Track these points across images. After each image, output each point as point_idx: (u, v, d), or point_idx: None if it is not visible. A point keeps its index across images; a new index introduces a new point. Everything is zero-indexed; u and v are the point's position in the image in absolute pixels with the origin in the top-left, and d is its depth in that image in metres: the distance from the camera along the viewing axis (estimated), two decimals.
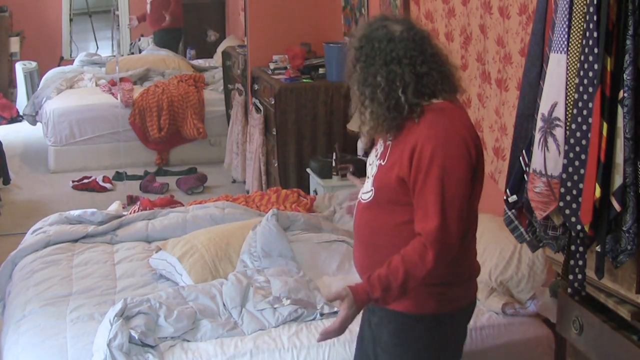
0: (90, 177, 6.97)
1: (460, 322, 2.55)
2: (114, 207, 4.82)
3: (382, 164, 2.42)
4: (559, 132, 2.22)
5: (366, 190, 2.48)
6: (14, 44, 9.31)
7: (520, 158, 2.43)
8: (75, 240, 4.17)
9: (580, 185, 2.15)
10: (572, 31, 2.17)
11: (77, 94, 8.02)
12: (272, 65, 5.97)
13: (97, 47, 10.04)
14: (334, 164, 5.09)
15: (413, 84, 2.34)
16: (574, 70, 2.17)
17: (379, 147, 2.49)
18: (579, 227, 2.17)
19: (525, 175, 2.40)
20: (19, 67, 9.20)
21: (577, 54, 2.15)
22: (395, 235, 2.40)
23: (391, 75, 2.34)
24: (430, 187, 2.29)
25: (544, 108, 2.26)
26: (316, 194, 5.13)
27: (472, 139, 2.36)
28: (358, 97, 2.41)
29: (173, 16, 9.02)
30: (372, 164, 2.49)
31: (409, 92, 2.34)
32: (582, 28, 2.14)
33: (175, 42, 9.29)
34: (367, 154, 2.67)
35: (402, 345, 2.48)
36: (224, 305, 3.30)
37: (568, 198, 2.18)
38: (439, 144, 2.30)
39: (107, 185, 6.90)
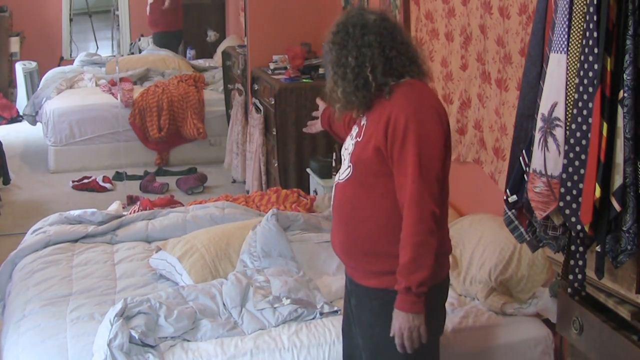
0: (90, 177, 6.96)
1: (437, 297, 2.59)
2: (114, 207, 4.82)
3: (359, 140, 2.55)
4: (559, 132, 2.22)
5: (344, 170, 2.60)
6: (14, 44, 9.30)
7: (520, 158, 2.43)
8: (75, 240, 4.17)
9: (580, 185, 2.15)
10: (572, 31, 2.17)
11: (77, 94, 8.02)
12: (272, 65, 5.97)
13: (97, 47, 10.03)
14: (334, 164, 5.09)
15: (381, 66, 2.50)
16: (574, 70, 2.17)
17: (354, 130, 2.62)
18: (579, 227, 2.17)
19: (525, 175, 2.40)
20: (19, 67, 9.20)
21: (577, 54, 2.16)
22: (375, 209, 2.52)
23: (361, 57, 2.51)
24: (408, 153, 2.42)
25: (544, 108, 2.27)
26: (316, 194, 5.13)
27: (441, 109, 2.53)
28: (332, 77, 2.58)
29: (173, 17, 9.02)
30: (348, 147, 2.62)
31: (378, 73, 2.50)
32: (582, 28, 2.14)
33: (175, 44, 9.29)
34: None
35: (384, 321, 2.52)
36: (224, 305, 3.30)
37: (568, 198, 2.18)
38: (412, 112, 2.45)
39: (107, 185, 6.90)
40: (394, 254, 2.48)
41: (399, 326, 2.45)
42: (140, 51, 9.41)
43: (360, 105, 2.54)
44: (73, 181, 6.97)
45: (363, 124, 2.56)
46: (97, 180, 6.91)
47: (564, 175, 2.19)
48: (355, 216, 2.55)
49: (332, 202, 2.68)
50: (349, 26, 2.55)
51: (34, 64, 9.32)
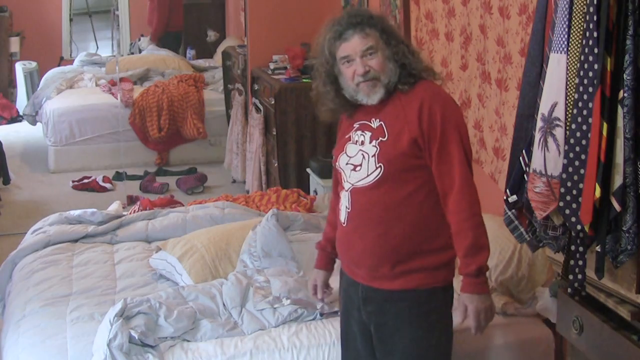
0: (90, 177, 6.97)
1: (449, 300, 2.66)
2: (114, 207, 4.82)
3: (384, 140, 2.55)
4: (559, 132, 2.22)
5: (364, 176, 2.57)
6: (14, 44, 9.31)
7: (520, 158, 2.43)
8: (75, 240, 4.17)
9: (580, 185, 2.15)
10: (572, 31, 2.17)
11: (77, 94, 8.02)
12: (272, 65, 5.97)
13: (97, 47, 10.04)
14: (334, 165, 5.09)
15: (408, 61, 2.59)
16: (574, 70, 2.17)
17: (359, 136, 2.61)
18: (579, 227, 2.16)
19: (525, 175, 2.40)
20: (19, 67, 9.20)
21: (577, 54, 2.15)
22: (408, 205, 2.54)
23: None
24: (451, 140, 2.50)
25: (544, 108, 2.26)
26: (316, 194, 5.13)
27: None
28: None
29: (173, 21, 9.07)
30: (359, 152, 2.59)
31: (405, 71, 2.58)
32: (582, 28, 2.14)
33: (175, 44, 9.29)
34: None
35: (409, 323, 2.56)
36: (224, 305, 3.30)
37: (568, 198, 2.18)
38: (446, 104, 2.54)
39: (107, 185, 6.90)
40: (429, 249, 2.55)
41: (475, 309, 2.51)
42: (140, 51, 9.42)
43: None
44: (73, 181, 6.97)
45: (378, 125, 2.57)
46: (97, 180, 6.91)
47: (564, 175, 2.19)
48: (388, 217, 2.55)
49: (347, 210, 2.63)
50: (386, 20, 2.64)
51: (34, 64, 9.33)
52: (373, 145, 2.57)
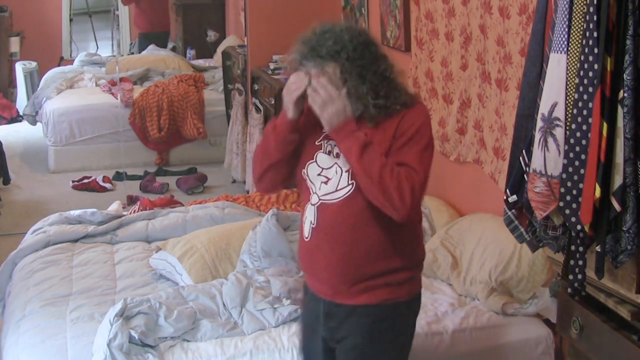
0: (90, 177, 6.97)
1: (408, 314, 2.58)
2: (114, 207, 4.82)
3: None
4: (559, 132, 2.22)
5: (332, 190, 2.45)
6: (14, 44, 9.30)
7: (520, 158, 2.43)
8: (75, 240, 4.17)
9: (580, 185, 2.15)
10: (572, 31, 2.17)
11: (77, 94, 8.02)
12: (272, 65, 5.97)
13: (97, 47, 10.03)
14: None
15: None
16: (574, 70, 2.17)
17: (334, 147, 2.46)
18: (579, 227, 2.17)
19: (525, 175, 2.40)
20: (19, 67, 9.20)
21: (577, 54, 2.16)
22: (375, 224, 2.43)
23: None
24: (416, 149, 2.39)
25: (544, 108, 2.27)
26: None
27: None
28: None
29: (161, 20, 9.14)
30: (335, 165, 2.46)
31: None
32: (582, 28, 2.14)
33: (162, 45, 9.30)
34: None
35: (374, 337, 2.50)
36: (224, 305, 3.30)
37: (568, 198, 2.18)
38: (426, 122, 2.45)
39: (107, 185, 6.90)
40: (394, 267, 2.46)
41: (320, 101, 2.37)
42: (140, 51, 9.42)
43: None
44: (73, 181, 6.97)
45: None
46: (97, 180, 6.91)
47: (564, 175, 2.19)
48: (353, 236, 2.45)
49: (311, 225, 2.49)
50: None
51: (34, 64, 9.32)
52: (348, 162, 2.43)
